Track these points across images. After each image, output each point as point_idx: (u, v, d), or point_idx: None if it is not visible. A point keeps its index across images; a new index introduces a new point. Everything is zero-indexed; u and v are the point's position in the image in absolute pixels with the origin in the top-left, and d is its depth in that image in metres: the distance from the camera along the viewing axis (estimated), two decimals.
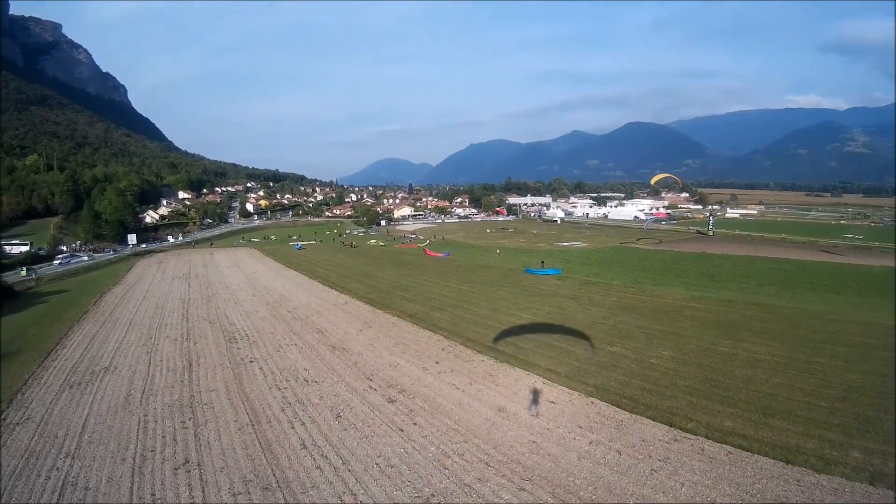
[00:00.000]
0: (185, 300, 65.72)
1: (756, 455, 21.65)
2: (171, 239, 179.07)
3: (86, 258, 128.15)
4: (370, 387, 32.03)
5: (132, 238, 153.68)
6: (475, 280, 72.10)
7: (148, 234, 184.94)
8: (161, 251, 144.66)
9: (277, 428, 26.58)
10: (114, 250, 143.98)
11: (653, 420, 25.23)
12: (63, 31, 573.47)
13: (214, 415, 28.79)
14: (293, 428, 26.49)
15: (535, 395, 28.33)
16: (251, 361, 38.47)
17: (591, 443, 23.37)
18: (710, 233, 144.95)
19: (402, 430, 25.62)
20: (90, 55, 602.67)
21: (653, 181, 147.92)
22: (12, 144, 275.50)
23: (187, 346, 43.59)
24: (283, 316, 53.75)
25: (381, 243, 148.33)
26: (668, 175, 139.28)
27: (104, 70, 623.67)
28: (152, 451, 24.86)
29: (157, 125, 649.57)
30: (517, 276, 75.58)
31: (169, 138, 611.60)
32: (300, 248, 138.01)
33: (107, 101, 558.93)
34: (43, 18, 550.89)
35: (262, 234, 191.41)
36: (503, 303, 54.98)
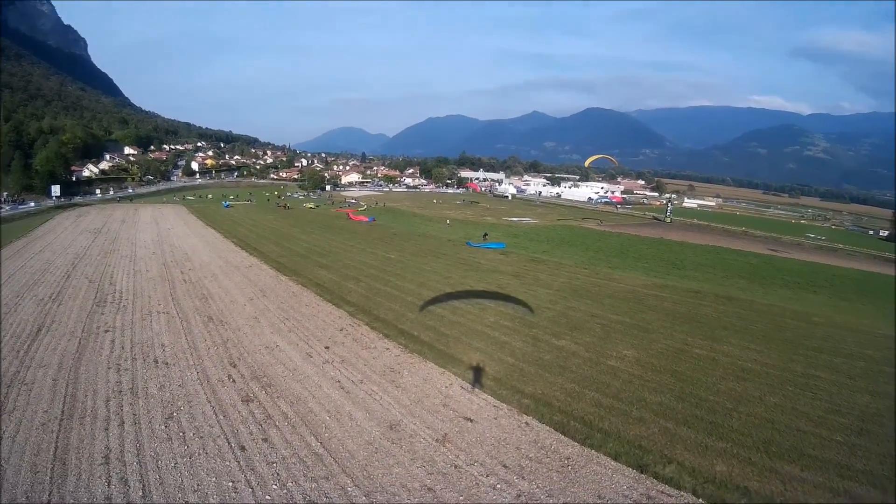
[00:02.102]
0: (80, 255, 56.18)
1: None
2: (98, 193, 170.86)
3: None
4: (229, 376, 23.42)
5: (55, 190, 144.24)
6: (407, 249, 64.16)
7: (81, 187, 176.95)
8: (86, 205, 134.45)
9: (89, 427, 18.70)
10: (35, 202, 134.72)
11: (614, 459, 16.90)
12: None
13: (28, 400, 20.97)
14: (107, 430, 18.50)
15: (477, 372, 22.93)
16: (106, 331, 29.89)
17: (518, 496, 15.07)
18: (668, 219, 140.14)
19: (243, 450, 17.26)
20: (53, 6, 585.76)
21: (587, 163, 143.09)
22: None
23: (48, 308, 34.68)
24: (173, 277, 44.84)
25: (310, 205, 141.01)
26: (603, 156, 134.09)
27: (66, 23, 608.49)
28: None
29: (117, 82, 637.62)
30: (456, 247, 67.91)
31: (126, 95, 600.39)
32: (228, 207, 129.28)
33: (66, 55, 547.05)
34: None
35: (200, 193, 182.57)
36: (432, 276, 47.07)
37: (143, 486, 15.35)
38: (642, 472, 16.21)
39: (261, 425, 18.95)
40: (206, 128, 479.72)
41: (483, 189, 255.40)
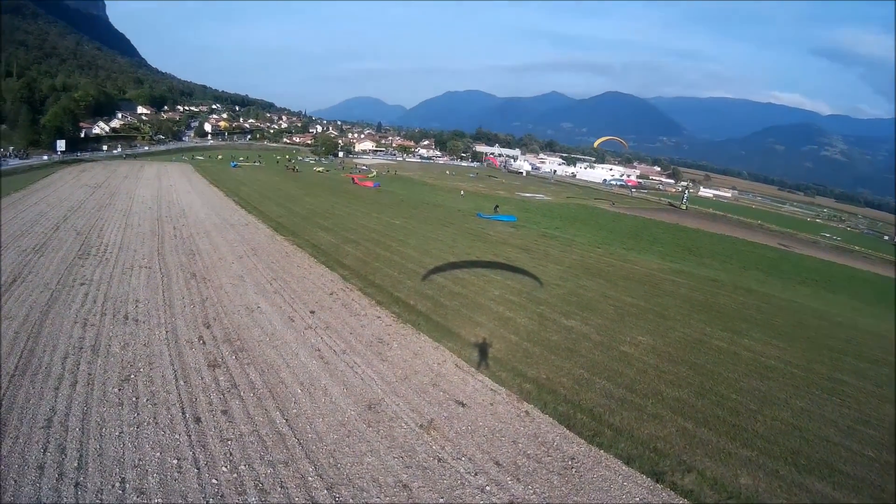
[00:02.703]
0: (74, 209, 53.78)
1: None
2: (105, 149, 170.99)
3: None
4: (200, 337, 21.26)
5: (61, 144, 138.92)
6: (414, 217, 62.22)
7: (90, 144, 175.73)
8: (92, 160, 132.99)
9: (39, 385, 16.81)
10: (48, 156, 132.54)
11: (626, 463, 14.49)
12: None
13: None
14: (57, 389, 16.60)
15: (483, 350, 20.32)
16: (82, 284, 27.96)
17: (510, 502, 12.76)
18: (684, 206, 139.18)
19: (198, 422, 15.14)
20: None
21: (596, 144, 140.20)
22: None
23: (28, 259, 32.69)
24: (164, 233, 42.88)
25: (318, 169, 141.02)
26: (612, 138, 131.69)
27: None
28: None
29: (134, 43, 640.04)
30: (465, 218, 66.10)
31: (143, 56, 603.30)
32: (235, 167, 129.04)
33: (83, 15, 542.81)
34: None
35: (210, 154, 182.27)
36: (437, 244, 44.99)
37: (81, 455, 13.40)
38: (658, 482, 13.82)
39: (223, 395, 16.80)
40: (223, 91, 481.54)
41: (498, 164, 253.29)
